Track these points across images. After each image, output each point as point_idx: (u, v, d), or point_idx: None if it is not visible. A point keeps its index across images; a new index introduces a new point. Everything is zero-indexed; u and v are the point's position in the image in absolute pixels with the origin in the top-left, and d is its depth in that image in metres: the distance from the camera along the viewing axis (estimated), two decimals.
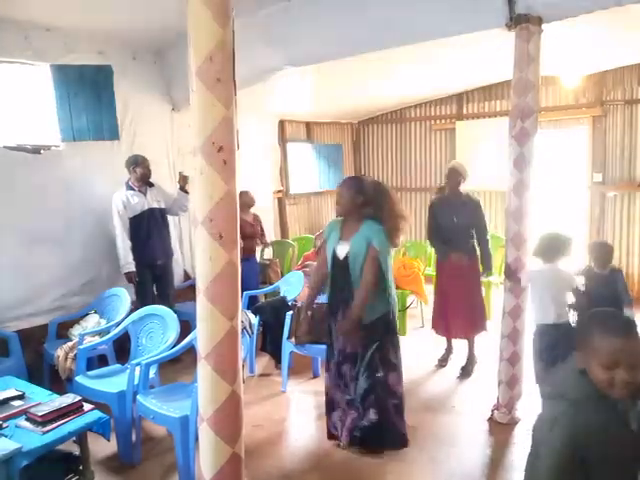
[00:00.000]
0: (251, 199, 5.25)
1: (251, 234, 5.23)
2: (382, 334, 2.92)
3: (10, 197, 3.92)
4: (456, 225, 3.96)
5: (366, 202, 2.87)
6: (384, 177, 8.12)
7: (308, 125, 7.50)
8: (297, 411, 3.73)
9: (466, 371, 4.08)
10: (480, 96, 7.03)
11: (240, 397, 1.88)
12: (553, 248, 3.13)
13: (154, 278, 4.38)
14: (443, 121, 7.40)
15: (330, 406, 3.12)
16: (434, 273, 4.59)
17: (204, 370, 1.80)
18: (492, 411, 3.37)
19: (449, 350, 4.34)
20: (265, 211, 6.30)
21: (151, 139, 4.87)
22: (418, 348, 4.61)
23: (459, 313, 4.05)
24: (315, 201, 7.74)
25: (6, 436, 2.33)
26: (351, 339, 2.91)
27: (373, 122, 8.11)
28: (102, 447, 2.97)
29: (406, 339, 4.91)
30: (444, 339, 4.33)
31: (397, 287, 4.82)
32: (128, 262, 4.18)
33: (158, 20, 4.00)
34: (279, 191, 6.98)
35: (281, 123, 6.99)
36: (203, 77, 1.66)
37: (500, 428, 3.26)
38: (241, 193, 5.30)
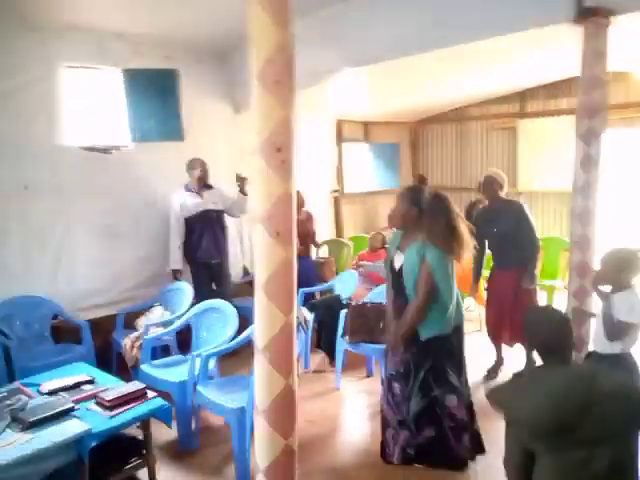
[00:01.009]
0: (301, 199, 5.35)
1: (305, 233, 5.34)
2: (437, 355, 2.77)
3: (85, 194, 4.21)
4: (499, 233, 3.81)
5: (422, 215, 2.75)
6: (442, 177, 7.99)
7: (365, 125, 7.50)
8: (350, 409, 3.76)
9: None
10: (544, 93, 6.76)
11: (294, 391, 1.93)
12: (625, 268, 2.49)
13: (211, 276, 4.54)
14: (504, 120, 7.18)
15: (384, 422, 3.01)
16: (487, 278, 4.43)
17: (260, 363, 1.85)
18: None
19: (499, 362, 4.16)
20: (321, 210, 6.38)
21: (214, 141, 5.03)
22: (471, 353, 4.50)
23: (514, 319, 3.84)
24: (371, 201, 7.73)
25: (78, 418, 2.50)
26: (399, 355, 2.83)
27: (431, 121, 8.00)
28: (164, 433, 3.12)
29: None
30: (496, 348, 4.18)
31: None
32: (175, 260, 4.39)
33: (222, 24, 4.14)
34: (335, 190, 7.02)
35: (338, 123, 7.03)
36: (263, 79, 1.71)
37: None
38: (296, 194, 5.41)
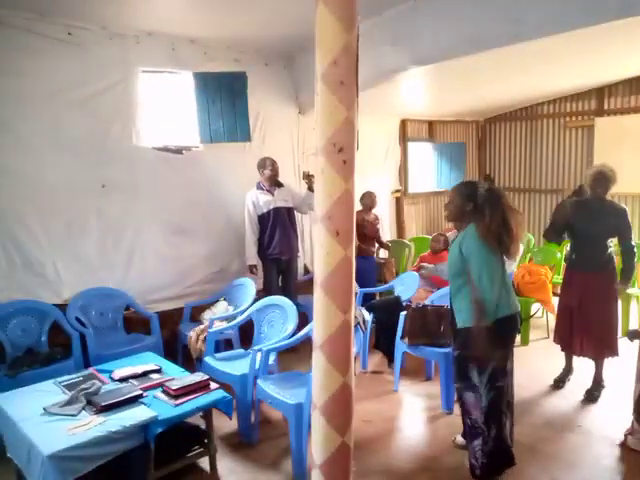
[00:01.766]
0: (373, 200, 5.39)
1: (372, 234, 5.36)
2: (465, 347, 2.70)
3: (157, 192, 4.42)
4: (593, 233, 3.57)
5: (476, 209, 2.68)
6: (510, 177, 7.71)
7: (430, 124, 7.37)
8: (408, 411, 3.71)
9: (592, 396, 3.66)
10: (625, 89, 6.35)
11: (351, 389, 1.93)
12: None
13: (279, 272, 4.65)
14: (580, 118, 6.82)
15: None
16: (560, 281, 4.20)
17: (318, 360, 1.87)
18: (625, 436, 3.06)
19: (568, 370, 3.92)
20: (383, 210, 6.34)
21: (279, 141, 5.15)
22: (537, 362, 4.32)
23: (588, 330, 3.62)
24: (434, 201, 7.58)
25: (145, 404, 2.64)
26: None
27: (501, 119, 7.73)
28: (224, 425, 3.23)
29: (527, 350, 4.65)
30: (563, 356, 3.93)
31: (520, 295, 4.57)
32: (251, 256, 4.53)
33: (288, 27, 4.21)
34: (397, 190, 6.95)
35: (402, 122, 6.95)
36: (327, 80, 1.73)
37: (634, 456, 2.95)
38: (364, 194, 5.47)
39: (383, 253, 6.00)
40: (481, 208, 2.66)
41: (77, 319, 3.83)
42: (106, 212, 4.17)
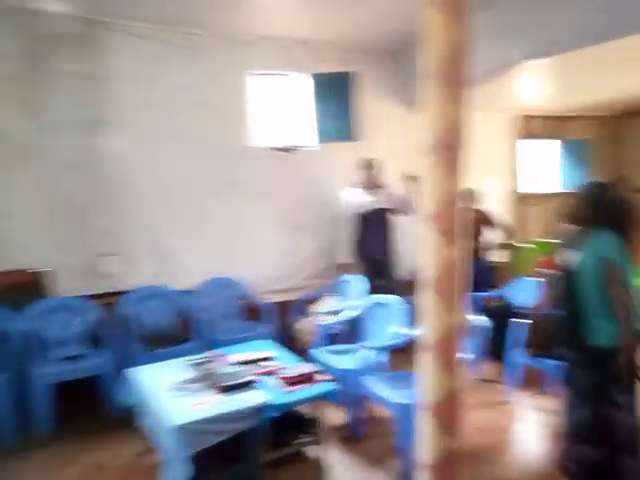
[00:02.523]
0: (474, 197, 5.15)
1: (477, 233, 5.16)
2: (599, 368, 2.49)
3: (273, 190, 4.68)
4: None
5: (600, 215, 2.52)
6: None
7: (550, 120, 6.86)
8: (522, 424, 3.52)
9: None
10: None
11: (461, 393, 1.89)
12: None
13: (376, 272, 4.65)
14: None
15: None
16: None
17: (426, 361, 1.86)
18: None
19: None
20: (497, 211, 6.05)
21: (387, 139, 5.13)
22: None
23: None
24: (555, 203, 7.06)
25: (260, 389, 2.78)
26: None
27: (636, 114, 7.00)
28: (332, 417, 3.31)
29: None
30: None
31: None
32: (346, 254, 4.62)
33: (397, 24, 4.23)
34: (513, 191, 6.59)
35: (518, 119, 6.57)
36: (436, 77, 1.70)
37: None
38: (465, 191, 5.20)
39: (498, 256, 5.72)
40: (611, 215, 2.48)
41: (201, 304, 4.16)
42: (227, 208, 4.50)
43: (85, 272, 3.96)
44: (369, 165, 4.59)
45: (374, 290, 4.53)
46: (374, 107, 5.07)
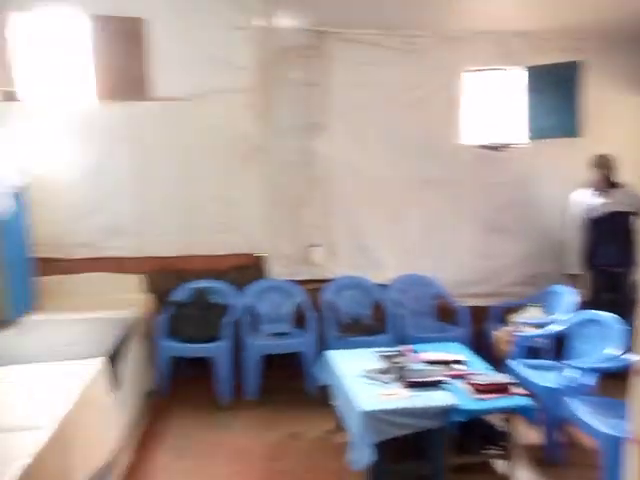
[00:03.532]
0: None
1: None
2: None
3: (475, 189, 4.53)
4: None
5: None
6: None
7: None
8: None
9: None
10: None
11: None
12: None
13: (610, 285, 4.11)
14: None
15: None
16: None
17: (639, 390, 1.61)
18: None
19: None
20: None
21: (618, 134, 4.51)
22: None
23: None
24: None
25: (447, 391, 2.74)
26: None
27: None
28: (524, 434, 3.07)
29: None
30: None
31: None
32: (575, 264, 4.16)
33: (635, 4, 3.63)
34: None
35: None
36: None
37: None
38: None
39: None
40: None
41: (395, 299, 4.26)
42: (427, 205, 4.51)
43: (296, 259, 4.40)
44: (603, 162, 4.06)
45: (601, 304, 4.01)
46: (605, 98, 4.50)
